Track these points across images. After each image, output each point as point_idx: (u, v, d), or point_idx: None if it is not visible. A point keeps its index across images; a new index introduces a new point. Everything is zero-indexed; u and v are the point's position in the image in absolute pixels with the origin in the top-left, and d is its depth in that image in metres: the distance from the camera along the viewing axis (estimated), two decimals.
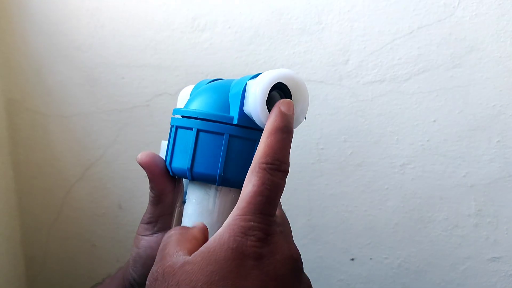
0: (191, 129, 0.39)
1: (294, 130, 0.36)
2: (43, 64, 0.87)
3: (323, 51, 0.75)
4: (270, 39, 0.77)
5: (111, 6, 0.83)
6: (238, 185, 0.36)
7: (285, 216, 0.39)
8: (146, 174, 0.42)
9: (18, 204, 0.94)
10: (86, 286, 0.61)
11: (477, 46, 0.70)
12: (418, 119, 0.73)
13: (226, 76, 0.78)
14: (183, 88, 0.49)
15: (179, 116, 0.40)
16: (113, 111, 0.86)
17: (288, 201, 0.80)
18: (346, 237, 0.80)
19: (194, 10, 0.79)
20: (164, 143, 0.44)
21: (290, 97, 0.38)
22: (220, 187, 0.40)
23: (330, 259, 0.82)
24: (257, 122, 0.37)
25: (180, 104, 0.47)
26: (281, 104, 0.36)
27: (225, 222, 0.33)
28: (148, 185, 0.43)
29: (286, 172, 0.34)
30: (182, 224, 0.41)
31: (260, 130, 0.37)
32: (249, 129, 0.38)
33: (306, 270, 0.36)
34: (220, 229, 0.33)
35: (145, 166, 0.42)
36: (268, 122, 0.35)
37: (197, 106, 0.40)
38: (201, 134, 0.38)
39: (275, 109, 0.36)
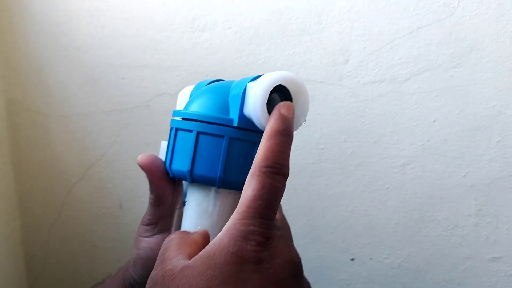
0: (191, 131, 0.39)
1: (294, 131, 0.36)
2: (43, 65, 0.87)
3: (323, 51, 0.75)
4: (270, 39, 0.77)
5: (111, 6, 0.83)
6: (238, 187, 0.36)
7: (285, 220, 0.39)
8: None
9: (19, 204, 0.94)
10: (86, 286, 0.61)
11: (477, 46, 0.70)
12: (418, 119, 0.73)
13: (226, 76, 0.78)
14: (183, 88, 0.49)
15: (179, 118, 0.40)
16: (114, 111, 0.86)
17: (288, 201, 0.80)
18: (346, 237, 0.80)
19: (194, 10, 0.79)
20: (164, 144, 0.44)
21: (290, 99, 0.38)
22: (220, 189, 0.40)
23: (330, 259, 0.82)
24: (257, 124, 0.37)
25: (180, 104, 0.47)
26: (281, 107, 0.36)
27: (225, 226, 0.33)
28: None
29: (286, 175, 0.34)
30: (182, 226, 0.41)
31: (260, 132, 0.37)
32: (249, 131, 0.38)
33: (306, 270, 0.36)
34: (220, 234, 0.33)
35: (145, 168, 0.42)
36: (268, 125, 0.35)
37: (197, 108, 0.40)
38: (201, 136, 0.38)
39: (275, 112, 0.36)
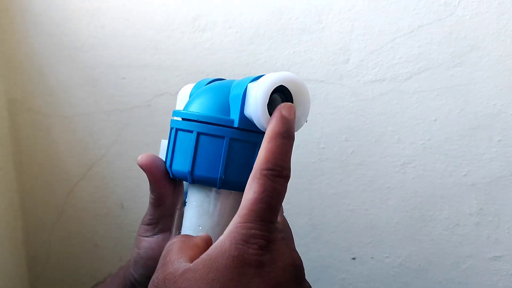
0: (191, 132, 0.38)
1: (295, 132, 0.36)
2: (44, 65, 0.87)
3: (323, 50, 0.75)
4: (271, 38, 0.77)
5: (111, 6, 0.83)
6: (239, 188, 0.36)
7: (287, 222, 0.39)
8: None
9: (20, 204, 0.94)
10: (88, 285, 0.61)
11: (478, 45, 0.70)
12: (419, 118, 0.73)
13: (227, 75, 0.78)
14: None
15: (179, 118, 0.40)
16: (114, 111, 0.86)
17: (289, 200, 0.80)
18: (347, 236, 0.80)
19: (195, 10, 0.79)
20: (164, 142, 0.44)
21: (291, 100, 0.38)
22: (220, 190, 0.40)
23: (331, 258, 0.82)
24: (258, 125, 0.37)
25: (180, 103, 0.47)
26: (282, 108, 0.36)
27: (226, 230, 0.33)
28: None
29: (287, 178, 0.34)
30: (183, 226, 0.41)
31: (261, 133, 0.37)
32: (249, 132, 0.38)
33: (307, 269, 0.36)
34: (221, 237, 0.33)
35: (146, 168, 0.42)
36: (269, 127, 0.35)
37: (197, 108, 0.40)
38: (201, 137, 0.38)
39: (276, 114, 0.36)
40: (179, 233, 0.42)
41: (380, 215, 0.78)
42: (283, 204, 0.38)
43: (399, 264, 0.78)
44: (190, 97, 0.45)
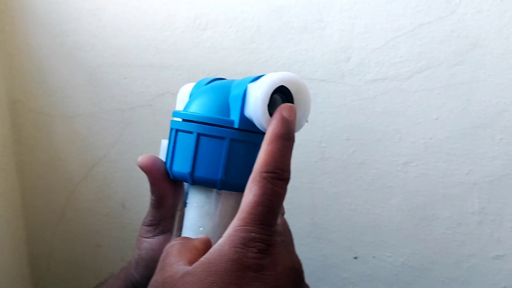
0: (191, 133, 0.38)
1: (296, 133, 0.36)
2: (46, 65, 0.87)
3: (324, 49, 0.75)
4: (272, 37, 0.77)
5: (112, 6, 0.83)
6: (240, 189, 0.36)
7: (287, 224, 0.39)
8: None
9: (22, 204, 0.95)
10: (90, 285, 0.61)
11: (480, 43, 0.69)
12: (421, 117, 0.73)
13: (228, 75, 0.78)
14: None
15: (179, 119, 0.40)
16: (116, 111, 0.87)
17: (291, 199, 0.80)
18: (349, 235, 0.80)
19: (195, 9, 0.79)
20: (164, 142, 0.44)
21: (292, 100, 0.38)
22: (221, 191, 0.40)
23: (334, 257, 0.82)
24: (258, 126, 0.37)
25: (180, 103, 0.47)
26: (283, 109, 0.35)
27: (225, 233, 0.33)
28: None
29: (287, 180, 0.34)
30: (184, 227, 0.41)
31: (262, 133, 0.37)
32: (250, 133, 0.38)
33: (309, 268, 0.36)
34: (220, 240, 0.33)
35: (146, 169, 0.42)
36: (269, 129, 0.35)
37: (197, 109, 0.40)
38: (201, 138, 0.38)
39: (276, 115, 0.35)
40: (180, 234, 0.42)
41: (382, 214, 0.78)
42: (284, 205, 0.38)
43: (401, 263, 0.78)
44: (190, 96, 0.45)
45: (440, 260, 0.76)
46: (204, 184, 0.39)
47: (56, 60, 0.87)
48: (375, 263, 0.80)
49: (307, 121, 0.39)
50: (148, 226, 0.44)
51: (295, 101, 0.38)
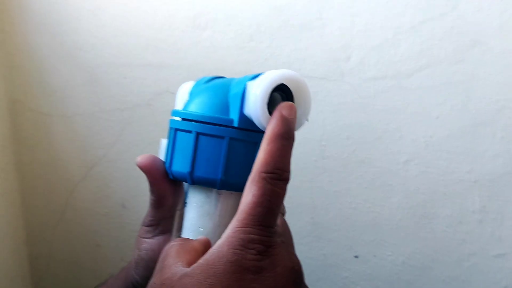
0: (191, 132, 0.38)
1: (296, 131, 0.36)
2: (45, 65, 0.87)
3: (324, 47, 0.75)
4: (271, 36, 0.77)
5: (112, 5, 0.82)
6: (240, 189, 0.35)
7: (287, 224, 0.38)
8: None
9: (22, 204, 0.94)
10: (90, 285, 0.61)
11: (480, 40, 0.69)
12: (421, 115, 0.73)
13: (228, 73, 0.78)
14: None
15: (178, 118, 0.40)
16: (115, 110, 0.86)
17: (291, 198, 0.80)
18: (349, 234, 0.80)
19: (195, 8, 0.79)
20: (164, 142, 0.43)
21: (292, 98, 0.37)
22: (221, 190, 0.39)
23: (334, 256, 0.81)
24: (257, 125, 0.36)
25: (179, 102, 0.46)
26: (283, 108, 0.35)
27: (224, 234, 0.33)
28: None
29: (287, 180, 0.34)
30: (183, 227, 0.41)
31: (262, 132, 0.36)
32: (250, 132, 0.38)
33: (309, 268, 0.36)
34: (219, 241, 0.32)
35: (145, 169, 0.41)
36: (269, 128, 0.35)
37: (196, 108, 0.39)
38: (201, 137, 0.38)
39: (276, 114, 0.35)
40: (180, 235, 0.42)
41: (382, 213, 0.77)
42: (285, 205, 0.38)
43: (402, 262, 0.78)
44: (189, 95, 0.45)
45: (441, 259, 0.76)
46: (204, 184, 0.39)
47: (55, 60, 0.87)
48: (375, 262, 0.80)
49: (307, 120, 0.38)
50: (147, 226, 0.44)
51: (295, 99, 0.37)
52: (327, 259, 0.82)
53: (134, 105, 0.85)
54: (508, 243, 0.73)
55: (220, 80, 0.43)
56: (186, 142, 0.38)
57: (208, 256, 0.32)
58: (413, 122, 0.73)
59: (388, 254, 0.79)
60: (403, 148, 0.74)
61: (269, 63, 0.77)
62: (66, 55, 0.86)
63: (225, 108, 0.39)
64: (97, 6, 0.83)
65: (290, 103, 0.36)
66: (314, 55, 0.75)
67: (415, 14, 0.71)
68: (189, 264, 0.32)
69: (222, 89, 0.40)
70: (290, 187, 0.34)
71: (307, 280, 0.36)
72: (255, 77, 0.38)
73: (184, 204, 0.42)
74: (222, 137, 0.37)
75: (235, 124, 0.37)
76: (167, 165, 0.41)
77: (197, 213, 0.40)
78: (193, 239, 0.37)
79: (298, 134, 0.36)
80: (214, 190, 0.39)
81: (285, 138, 0.34)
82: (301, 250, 0.36)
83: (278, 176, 0.33)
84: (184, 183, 0.44)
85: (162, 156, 0.43)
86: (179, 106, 0.45)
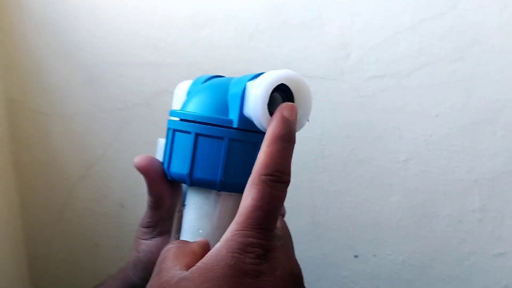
0: (189, 133, 0.38)
1: (296, 132, 0.35)
2: (43, 64, 0.87)
3: (324, 46, 0.75)
4: (271, 35, 0.76)
5: (110, 4, 0.82)
6: (239, 190, 0.35)
7: (286, 227, 0.38)
8: None
9: (20, 204, 0.94)
10: (89, 285, 0.61)
11: (480, 39, 0.69)
12: (421, 113, 0.73)
13: (226, 72, 0.77)
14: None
15: (177, 119, 0.40)
16: (114, 110, 0.86)
17: (291, 198, 0.79)
18: (349, 233, 0.80)
19: (193, 6, 0.78)
20: (161, 141, 0.43)
21: (292, 98, 0.37)
22: (220, 192, 0.39)
23: (334, 256, 0.81)
24: (258, 125, 0.36)
25: (177, 101, 0.46)
26: (284, 109, 0.35)
27: (223, 237, 0.32)
28: None
29: (287, 183, 0.33)
30: (182, 229, 0.41)
31: (261, 132, 0.36)
32: (249, 132, 0.37)
33: (309, 267, 0.36)
34: (218, 244, 0.32)
35: (143, 170, 0.41)
36: (269, 129, 0.34)
37: (195, 108, 0.39)
38: (200, 138, 0.37)
39: (277, 115, 0.34)
40: (179, 236, 0.41)
41: (382, 212, 0.77)
42: (285, 204, 0.38)
43: (402, 262, 0.78)
44: (187, 95, 0.45)
45: (441, 258, 0.76)
46: (203, 185, 0.38)
47: (54, 59, 0.86)
48: (375, 261, 0.79)
49: (308, 120, 0.38)
50: (145, 227, 0.44)
51: (295, 99, 0.37)
52: (327, 259, 0.81)
53: (133, 104, 0.85)
54: (508, 242, 0.72)
55: (218, 79, 0.43)
56: (184, 143, 0.38)
57: (207, 259, 0.32)
58: (413, 121, 0.73)
59: (388, 253, 0.78)
60: (403, 147, 0.74)
61: (268, 62, 0.77)
62: (65, 54, 0.86)
63: (224, 108, 0.38)
64: (96, 5, 0.82)
65: (291, 104, 0.35)
66: (313, 54, 0.75)
67: (414, 12, 0.70)
68: (188, 267, 0.32)
69: (220, 88, 0.40)
70: (290, 186, 0.34)
71: (307, 279, 0.35)
72: (255, 77, 0.37)
73: (182, 205, 0.42)
74: (221, 138, 0.37)
75: (235, 125, 0.37)
76: (165, 166, 0.40)
77: (196, 215, 0.39)
78: (192, 240, 0.37)
79: (298, 134, 0.36)
80: (213, 191, 0.39)
81: (286, 140, 0.34)
82: (301, 249, 0.36)
83: (278, 178, 0.33)
84: (183, 184, 0.43)
85: (159, 155, 0.42)
86: (176, 105, 0.45)
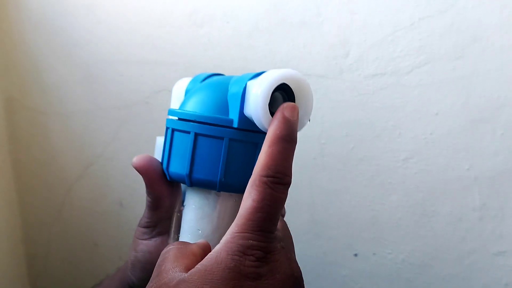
0: (189, 132, 0.37)
1: (298, 131, 0.35)
2: (41, 62, 0.86)
3: (323, 44, 0.74)
4: (269, 33, 0.76)
5: (108, 1, 0.82)
6: (239, 190, 0.35)
7: (287, 228, 0.38)
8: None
9: (19, 203, 0.94)
10: (88, 284, 0.60)
11: (480, 36, 0.68)
12: (421, 112, 0.72)
13: (225, 70, 0.77)
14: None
15: (175, 118, 0.39)
16: (112, 108, 0.86)
17: (291, 196, 0.78)
18: (349, 232, 0.79)
19: (192, 4, 0.78)
20: (159, 140, 0.43)
21: (293, 98, 0.37)
22: (220, 192, 0.38)
23: (333, 254, 0.81)
24: (258, 126, 0.36)
25: (175, 99, 0.46)
26: (285, 109, 0.34)
27: (223, 239, 0.32)
28: None
29: (288, 185, 0.33)
30: (182, 230, 0.41)
31: (262, 132, 0.35)
32: (250, 132, 0.37)
33: (309, 266, 0.35)
34: (218, 246, 0.32)
35: (141, 171, 0.40)
36: (270, 130, 0.34)
37: (194, 107, 0.39)
38: (199, 138, 0.37)
39: (278, 115, 0.34)
40: (178, 237, 0.41)
41: (382, 211, 0.77)
42: (285, 204, 0.37)
43: (401, 260, 0.78)
44: (186, 93, 0.44)
45: (441, 257, 0.76)
46: (203, 185, 0.38)
47: (51, 57, 0.86)
48: (375, 260, 0.79)
49: (309, 120, 0.38)
50: (144, 228, 0.44)
51: (296, 99, 0.36)
52: (326, 257, 0.81)
53: (132, 103, 0.84)
54: (508, 241, 0.72)
55: (218, 78, 0.42)
56: (184, 143, 0.38)
57: (206, 261, 0.31)
58: (413, 119, 0.73)
59: (387, 252, 0.78)
60: (403, 145, 0.74)
61: (267, 60, 0.77)
62: (63, 53, 0.85)
63: (224, 107, 0.38)
64: (93, 3, 0.82)
65: (292, 104, 0.35)
66: (312, 53, 0.75)
67: (414, 10, 0.70)
68: (187, 269, 0.32)
69: (220, 87, 0.39)
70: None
71: (306, 278, 0.35)
72: (255, 76, 0.37)
73: (182, 205, 0.41)
74: (221, 138, 0.36)
75: (235, 125, 0.36)
76: (164, 166, 0.40)
77: (195, 215, 0.39)
78: (191, 241, 0.37)
79: (298, 133, 0.36)
80: (213, 191, 0.39)
81: (287, 141, 0.33)
82: (300, 248, 0.36)
83: (279, 180, 0.32)
84: (182, 184, 0.43)
85: (157, 154, 0.42)
86: (175, 104, 0.45)
